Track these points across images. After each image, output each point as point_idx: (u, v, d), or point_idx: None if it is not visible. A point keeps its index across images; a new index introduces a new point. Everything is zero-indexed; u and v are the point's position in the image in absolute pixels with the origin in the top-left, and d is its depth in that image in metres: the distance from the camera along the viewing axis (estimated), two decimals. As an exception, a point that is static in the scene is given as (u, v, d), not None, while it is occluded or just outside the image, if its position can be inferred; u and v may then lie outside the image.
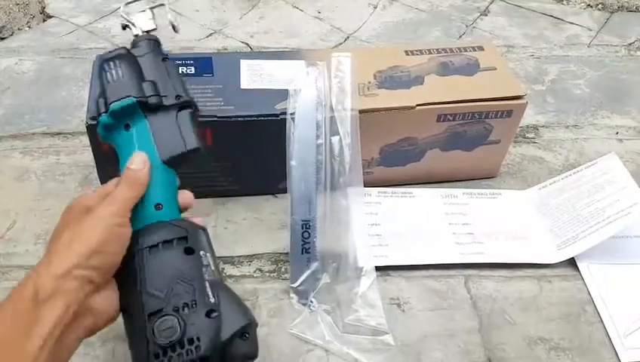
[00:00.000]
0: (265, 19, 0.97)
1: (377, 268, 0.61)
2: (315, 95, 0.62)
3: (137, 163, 0.45)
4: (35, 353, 0.35)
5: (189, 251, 0.43)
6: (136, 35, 0.53)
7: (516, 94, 0.64)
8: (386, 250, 0.63)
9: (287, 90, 0.62)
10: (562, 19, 1.00)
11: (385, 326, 0.57)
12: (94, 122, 0.57)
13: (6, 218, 0.64)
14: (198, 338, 0.39)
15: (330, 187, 0.62)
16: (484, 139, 0.67)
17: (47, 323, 0.36)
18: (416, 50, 0.69)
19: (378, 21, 0.98)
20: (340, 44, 0.93)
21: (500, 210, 0.67)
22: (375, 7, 1.01)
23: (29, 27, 0.96)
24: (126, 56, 0.50)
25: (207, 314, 0.40)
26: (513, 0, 1.04)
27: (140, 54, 0.51)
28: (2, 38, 0.94)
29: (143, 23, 0.54)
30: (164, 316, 0.39)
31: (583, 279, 0.62)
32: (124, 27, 0.55)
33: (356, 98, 0.62)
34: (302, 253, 0.60)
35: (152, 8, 0.56)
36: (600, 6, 1.06)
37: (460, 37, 0.95)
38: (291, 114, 0.60)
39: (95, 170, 0.64)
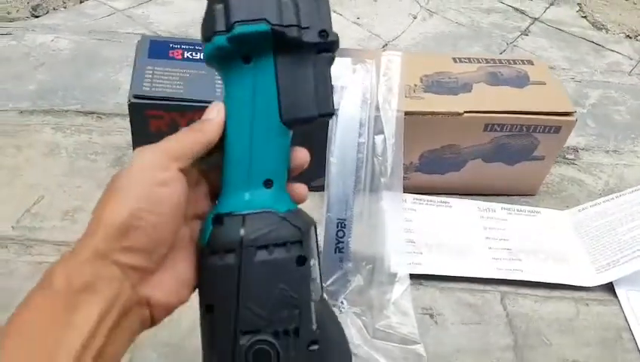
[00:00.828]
0: None
1: (410, 276, 0.59)
2: (361, 93, 0.60)
3: (210, 112, 0.34)
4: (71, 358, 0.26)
5: (301, 261, 0.33)
6: None
7: (566, 110, 0.62)
8: (419, 257, 0.61)
9: (332, 86, 0.60)
10: (603, 46, 0.99)
11: (416, 335, 0.55)
12: (138, 100, 0.57)
13: (34, 192, 0.63)
14: None
15: (369, 187, 0.60)
16: (528, 154, 0.65)
17: (85, 326, 0.27)
18: (465, 58, 0.68)
19: (417, 31, 0.97)
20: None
21: (539, 229, 0.65)
22: (415, 18, 1.00)
23: (64, 7, 0.95)
24: None
25: (308, 346, 0.33)
26: (554, 23, 1.03)
27: None
28: (37, 16, 0.94)
29: None
30: (260, 340, 0.32)
31: (620, 305, 0.60)
32: None
33: (403, 100, 0.61)
34: (335, 252, 0.58)
35: None
36: (639, 37, 1.05)
37: (501, 54, 0.94)
38: (335, 110, 0.59)
39: (129, 152, 0.62)
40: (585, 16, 1.08)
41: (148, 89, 0.57)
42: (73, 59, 0.81)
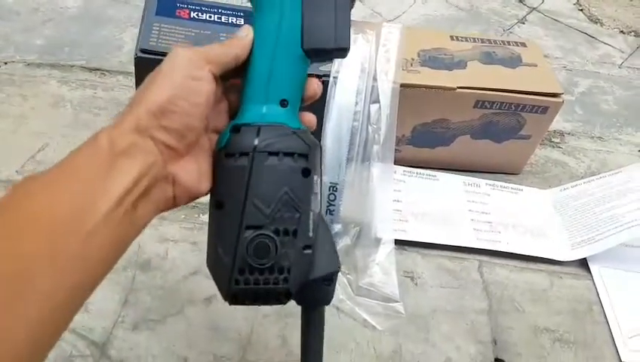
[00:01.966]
0: None
1: (395, 242, 0.62)
2: (360, 62, 0.63)
3: (240, 31, 0.38)
4: (110, 208, 0.30)
5: (306, 173, 0.36)
6: None
7: (554, 92, 0.65)
8: (405, 225, 0.64)
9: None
10: (596, 38, 1.02)
11: (397, 295, 0.58)
12: (144, 55, 0.59)
13: (39, 140, 0.65)
14: (289, 270, 0.36)
15: (362, 156, 0.63)
16: (515, 133, 0.68)
17: (125, 180, 0.31)
18: (462, 37, 0.70)
19: (418, 12, 0.99)
20: (378, 29, 0.94)
21: (520, 205, 0.69)
22: (416, 0, 1.02)
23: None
24: None
25: (303, 248, 0.36)
26: (551, 13, 1.06)
27: None
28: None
29: None
30: (262, 234, 0.35)
31: (593, 280, 0.63)
32: None
33: (400, 72, 0.63)
34: (326, 214, 0.61)
35: None
36: (633, 33, 1.08)
37: (496, 39, 0.96)
38: (334, 77, 0.61)
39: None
40: (581, 9, 1.11)
41: (154, 44, 0.59)
42: (80, 16, 0.83)
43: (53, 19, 0.82)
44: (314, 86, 0.40)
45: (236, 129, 0.37)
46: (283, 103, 0.37)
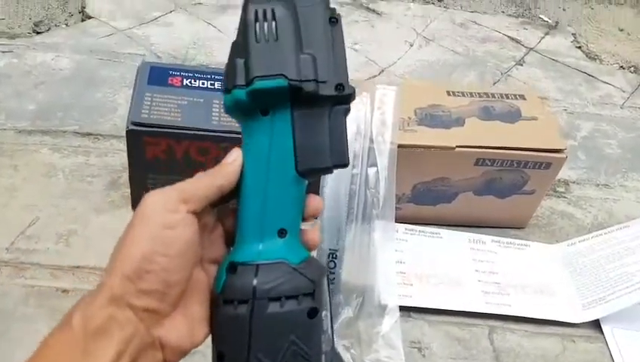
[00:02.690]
0: None
1: (400, 308, 0.60)
2: (356, 125, 0.61)
3: (227, 157, 0.35)
4: None
5: (313, 313, 0.33)
6: None
7: (557, 147, 0.64)
8: (410, 289, 0.62)
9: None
10: (596, 78, 1.00)
11: (404, 369, 0.55)
12: (135, 128, 0.57)
13: (29, 213, 0.63)
14: None
15: (361, 218, 0.61)
16: (518, 189, 0.66)
17: None
18: (458, 92, 0.69)
19: (413, 58, 0.99)
20: (374, 76, 0.94)
21: (528, 263, 0.66)
22: (411, 45, 1.01)
23: (66, 25, 0.96)
24: (285, 4, 0.35)
25: None
26: (548, 53, 1.05)
27: (303, 2, 0.35)
28: (38, 33, 0.95)
29: None
30: None
31: (606, 342, 0.61)
32: None
33: (396, 133, 0.62)
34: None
35: None
36: (632, 68, 1.07)
37: (495, 83, 0.95)
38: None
39: (124, 174, 0.63)
40: (579, 47, 1.10)
41: (146, 116, 0.58)
42: (73, 78, 0.82)
43: (45, 82, 0.81)
44: (314, 204, 0.36)
45: (233, 268, 0.34)
46: (281, 233, 0.34)
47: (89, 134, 0.74)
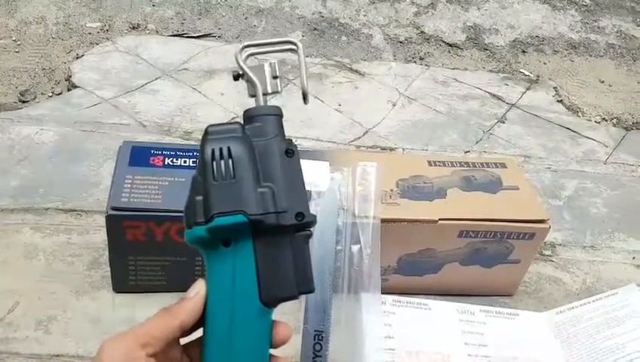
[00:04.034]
0: (286, 108, 0.95)
1: (388, 388, 0.58)
2: (338, 200, 0.61)
3: (190, 291, 0.35)
4: None
5: None
6: (253, 96, 0.38)
7: (539, 218, 0.64)
8: (398, 367, 0.61)
9: (309, 191, 0.61)
10: (579, 133, 1.02)
11: None
12: (115, 212, 0.57)
13: (9, 298, 0.62)
14: None
15: (346, 294, 0.60)
16: (504, 258, 0.66)
17: None
18: (439, 162, 0.69)
19: (396, 118, 1.00)
20: (359, 138, 0.94)
21: (518, 333, 0.65)
22: (394, 105, 1.03)
23: (52, 93, 0.97)
24: (241, 142, 0.36)
25: None
26: (530, 108, 1.06)
27: (259, 138, 0.36)
28: (24, 102, 0.96)
29: (266, 80, 0.38)
30: None
31: (601, 416, 0.59)
32: (237, 77, 0.39)
33: (379, 207, 0.62)
34: (312, 366, 0.57)
35: (277, 61, 0.39)
36: (615, 120, 1.08)
37: (477, 142, 0.96)
38: (313, 218, 0.60)
39: (105, 252, 0.62)
40: (561, 100, 1.12)
41: (126, 200, 0.58)
42: (56, 152, 0.82)
43: (28, 157, 0.81)
44: (282, 332, 0.36)
45: None
46: None
47: (72, 210, 0.73)
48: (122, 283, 0.62)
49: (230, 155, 0.35)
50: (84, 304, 0.62)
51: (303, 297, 0.59)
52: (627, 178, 0.93)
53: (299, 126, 0.94)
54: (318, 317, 0.58)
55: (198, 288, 0.35)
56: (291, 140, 0.38)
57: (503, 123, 1.02)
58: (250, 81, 0.38)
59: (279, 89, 0.39)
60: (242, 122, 0.38)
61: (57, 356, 0.58)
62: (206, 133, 0.36)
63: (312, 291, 0.36)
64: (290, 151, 0.37)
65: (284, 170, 0.36)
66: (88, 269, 0.66)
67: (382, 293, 0.66)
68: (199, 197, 0.35)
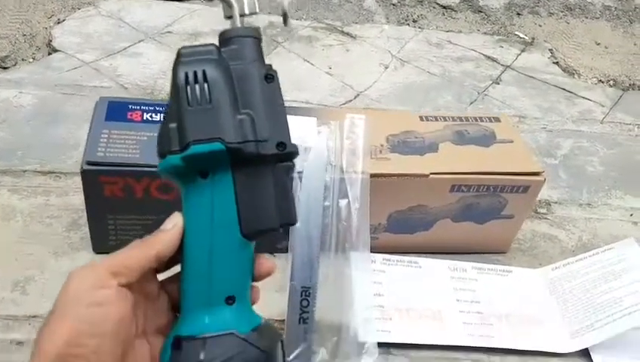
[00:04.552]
0: None
1: (379, 345, 0.57)
2: (326, 155, 0.59)
3: (166, 223, 0.33)
4: None
5: None
6: (229, 17, 0.35)
7: (534, 170, 0.61)
8: (389, 324, 0.59)
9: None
10: (575, 93, 0.99)
11: (384, 412, 0.52)
12: (91, 167, 0.55)
13: (-16, 260, 0.60)
14: None
15: (334, 252, 0.58)
16: (497, 213, 0.64)
17: None
18: (431, 117, 0.67)
19: (389, 81, 0.97)
20: (350, 101, 0.92)
21: (511, 290, 0.64)
22: (386, 68, 1.00)
23: (33, 59, 0.94)
24: (217, 64, 0.33)
25: None
26: (525, 70, 1.04)
27: (236, 61, 0.33)
28: (5, 68, 0.92)
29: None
30: None
31: (597, 373, 0.58)
32: None
33: (368, 162, 0.59)
34: (299, 322, 0.55)
35: None
36: (611, 82, 1.06)
37: (472, 103, 0.93)
38: (299, 172, 0.57)
39: (84, 213, 0.60)
40: (557, 62, 1.09)
41: (102, 155, 0.55)
42: (35, 115, 0.79)
43: (6, 120, 0.78)
44: (266, 266, 0.34)
45: (177, 343, 0.31)
46: (229, 301, 0.32)
47: (50, 172, 0.71)
48: (102, 243, 0.60)
49: (205, 79, 0.32)
50: (63, 265, 0.60)
51: (290, 255, 0.57)
52: (624, 137, 0.90)
53: (288, 89, 0.91)
54: (305, 274, 0.56)
55: (175, 220, 0.33)
56: (271, 65, 0.35)
57: (498, 84, 0.99)
58: (225, 1, 0.35)
59: (257, 9, 0.35)
60: (218, 44, 0.34)
61: (34, 317, 0.55)
62: (178, 55, 0.33)
63: (293, 223, 0.33)
64: (270, 77, 0.34)
65: (264, 96, 0.33)
66: (67, 231, 0.64)
67: (372, 252, 0.64)
68: (173, 125, 0.32)
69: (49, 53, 0.94)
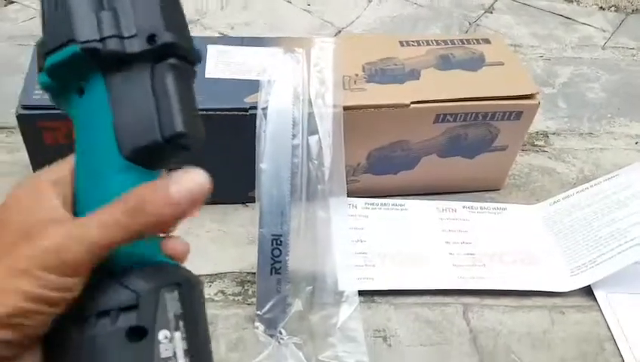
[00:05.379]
0: (248, 10, 0.88)
1: (361, 293, 0.52)
2: (292, 87, 0.53)
3: (182, 186, 0.25)
4: None
5: (136, 333, 0.24)
6: None
7: (527, 93, 0.55)
8: (372, 271, 0.54)
9: (258, 80, 0.53)
10: (574, 20, 0.92)
11: (367, 364, 0.48)
12: (26, 112, 0.49)
13: None
14: None
15: (306, 196, 0.53)
16: (488, 145, 0.58)
17: None
18: (413, 41, 0.60)
19: (373, 16, 0.89)
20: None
21: (505, 228, 0.58)
22: (370, 1, 0.92)
23: (-11, 13, 0.87)
24: None
25: None
26: (520, -2, 0.96)
27: None
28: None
29: None
30: None
31: (601, 310, 0.53)
32: None
33: (340, 93, 0.53)
34: (271, 273, 0.50)
35: None
36: (613, 8, 0.98)
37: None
38: (263, 108, 0.51)
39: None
40: (555, -11, 1.01)
41: (39, 97, 0.49)
42: (-14, 68, 0.73)
43: (-45, 76, 0.72)
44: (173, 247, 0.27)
45: None
46: None
47: (2, 128, 0.65)
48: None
49: None
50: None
51: (258, 201, 0.52)
52: (627, 62, 0.83)
53: (263, 28, 0.85)
54: (274, 220, 0.50)
55: (198, 178, 0.26)
56: None
57: (491, 13, 0.92)
58: None
59: None
60: None
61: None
62: None
63: (180, 134, 0.26)
64: None
65: None
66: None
67: (354, 197, 0.59)
68: (38, 44, 0.28)
69: (5, 5, 0.87)
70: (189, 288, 0.26)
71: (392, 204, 0.60)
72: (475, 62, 0.58)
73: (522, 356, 0.50)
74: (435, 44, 0.60)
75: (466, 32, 0.87)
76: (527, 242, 0.57)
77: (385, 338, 0.50)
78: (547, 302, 0.53)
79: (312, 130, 0.52)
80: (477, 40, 0.61)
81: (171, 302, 0.25)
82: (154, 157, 0.26)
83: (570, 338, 0.51)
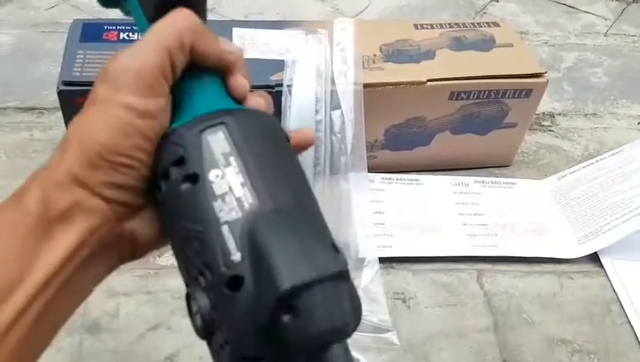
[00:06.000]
0: None
1: (380, 260, 0.55)
2: (315, 66, 0.56)
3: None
4: (38, 287, 0.24)
5: (190, 180, 0.25)
6: None
7: (535, 72, 0.58)
8: (390, 240, 0.57)
9: (283, 60, 0.56)
10: (577, 8, 0.95)
11: (389, 323, 0.51)
12: (66, 88, 0.52)
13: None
14: (226, 339, 0.24)
15: (329, 169, 0.56)
16: (499, 122, 0.61)
17: (51, 261, 0.24)
18: (427, 25, 0.63)
19: (382, 5, 0.92)
20: (342, 27, 0.87)
21: (516, 201, 0.61)
22: (379, -9, 0.95)
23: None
24: None
25: (229, 285, 0.23)
26: (524, -12, 0.99)
27: None
28: (-20, 11, 0.88)
29: None
30: (190, 293, 0.25)
31: (607, 276, 0.56)
32: None
33: (360, 70, 0.56)
34: (297, 240, 0.53)
35: None
36: (614, -2, 1.01)
37: (469, 22, 0.89)
38: (288, 86, 0.54)
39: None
40: (557, -21, 1.04)
41: (78, 74, 0.52)
42: (14, 54, 0.76)
43: (-16, 61, 0.75)
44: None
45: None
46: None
47: (32, 108, 0.68)
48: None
49: None
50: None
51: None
52: (629, 48, 0.87)
53: (275, 17, 0.87)
54: (300, 190, 0.53)
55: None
56: None
57: (497, 2, 0.95)
58: None
59: None
60: None
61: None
62: None
63: None
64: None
65: None
66: (53, 164, 0.61)
67: (371, 172, 0.62)
68: None
69: (26, -5, 0.90)
70: (238, 122, 0.26)
71: (408, 179, 0.63)
72: (486, 44, 0.61)
73: (533, 316, 0.53)
74: (447, 27, 0.63)
75: (473, 19, 0.90)
76: (537, 214, 0.60)
77: (404, 300, 0.53)
78: (556, 268, 0.57)
79: (335, 106, 0.55)
80: (487, 23, 0.64)
81: (215, 143, 0.25)
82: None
83: (579, 300, 0.54)
